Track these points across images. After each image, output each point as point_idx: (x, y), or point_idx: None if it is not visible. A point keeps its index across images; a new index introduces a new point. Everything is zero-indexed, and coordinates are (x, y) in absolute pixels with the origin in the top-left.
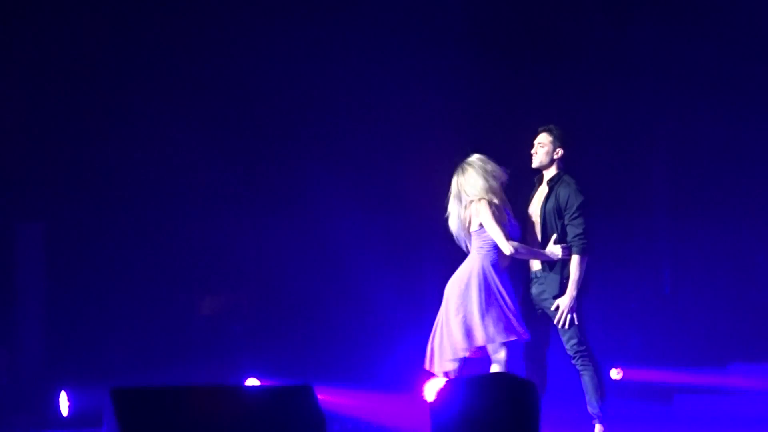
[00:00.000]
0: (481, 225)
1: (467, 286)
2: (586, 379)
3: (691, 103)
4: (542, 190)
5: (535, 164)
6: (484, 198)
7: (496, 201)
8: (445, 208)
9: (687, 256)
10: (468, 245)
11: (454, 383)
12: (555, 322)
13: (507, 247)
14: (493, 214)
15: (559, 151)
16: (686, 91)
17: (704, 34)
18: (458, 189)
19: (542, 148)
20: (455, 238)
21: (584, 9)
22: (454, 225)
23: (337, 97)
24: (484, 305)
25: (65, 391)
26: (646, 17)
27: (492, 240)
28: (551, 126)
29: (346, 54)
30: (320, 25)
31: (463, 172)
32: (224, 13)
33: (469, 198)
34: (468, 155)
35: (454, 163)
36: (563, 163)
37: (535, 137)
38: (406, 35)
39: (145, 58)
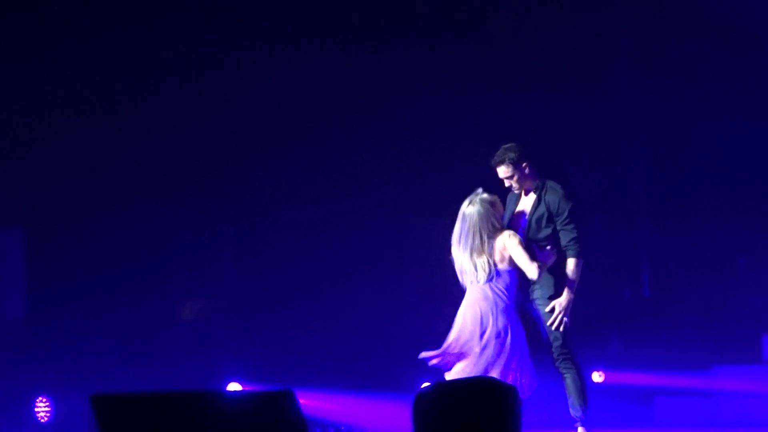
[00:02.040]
0: (510, 266)
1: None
2: (569, 381)
3: (671, 106)
4: (527, 197)
5: (517, 192)
6: (511, 232)
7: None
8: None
9: (667, 258)
10: (477, 276)
11: (436, 386)
12: (549, 323)
13: (534, 272)
14: (521, 244)
15: (526, 167)
16: (667, 94)
17: (684, 35)
18: (477, 219)
19: (511, 179)
20: (459, 269)
21: (565, 11)
22: (465, 256)
23: (323, 98)
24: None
25: (44, 397)
26: (628, 19)
27: (514, 284)
28: (500, 154)
29: (329, 59)
30: (309, 29)
31: (480, 205)
32: (212, 13)
33: (496, 230)
34: (473, 190)
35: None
36: (537, 170)
37: (494, 170)
38: (389, 40)
39: (129, 59)
